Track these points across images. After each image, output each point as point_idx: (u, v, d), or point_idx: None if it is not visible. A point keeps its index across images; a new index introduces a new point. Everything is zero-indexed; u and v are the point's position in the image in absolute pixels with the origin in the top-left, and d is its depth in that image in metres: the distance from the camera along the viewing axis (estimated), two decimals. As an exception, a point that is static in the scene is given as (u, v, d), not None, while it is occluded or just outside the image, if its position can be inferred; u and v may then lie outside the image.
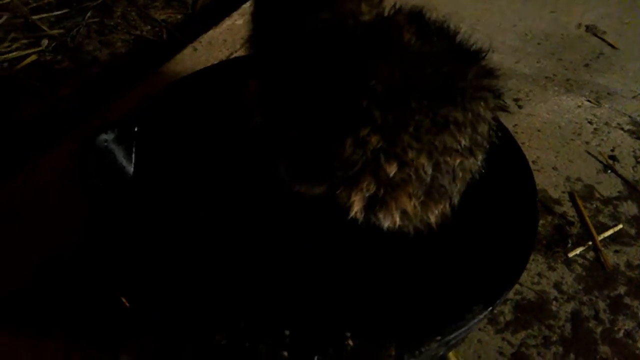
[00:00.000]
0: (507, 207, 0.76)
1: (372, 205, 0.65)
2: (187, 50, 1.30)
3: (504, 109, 0.70)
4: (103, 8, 1.55)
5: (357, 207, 0.65)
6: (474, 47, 0.67)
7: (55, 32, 1.45)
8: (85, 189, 0.78)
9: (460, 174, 0.65)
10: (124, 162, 0.81)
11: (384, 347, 0.63)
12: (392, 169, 0.62)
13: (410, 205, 0.64)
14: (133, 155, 0.81)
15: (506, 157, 0.80)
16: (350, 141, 0.62)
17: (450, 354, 0.83)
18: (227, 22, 1.39)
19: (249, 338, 0.63)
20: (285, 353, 0.62)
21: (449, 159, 0.63)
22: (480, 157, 0.67)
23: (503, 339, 0.86)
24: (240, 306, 0.66)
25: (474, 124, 0.65)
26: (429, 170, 0.63)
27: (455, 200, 0.67)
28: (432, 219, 0.66)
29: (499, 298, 0.68)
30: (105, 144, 0.79)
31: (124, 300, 0.68)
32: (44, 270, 0.88)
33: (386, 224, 0.66)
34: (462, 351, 0.84)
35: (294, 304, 0.67)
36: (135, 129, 0.82)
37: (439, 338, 0.64)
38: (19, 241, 0.93)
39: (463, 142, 0.63)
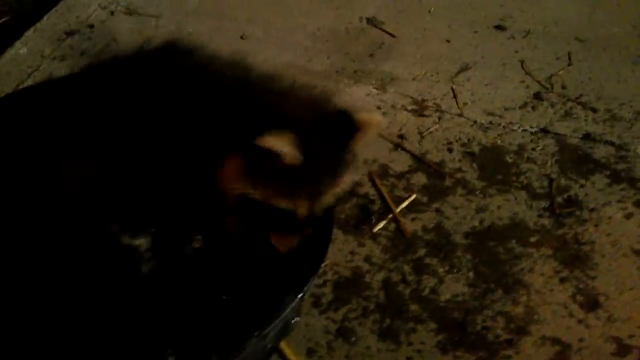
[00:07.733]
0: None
1: None
2: (-33, 88, 1.20)
3: None
4: None
5: None
6: None
7: None
8: None
9: None
10: None
11: (207, 357, 0.67)
12: None
13: None
14: None
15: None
16: None
17: (282, 343, 0.89)
18: (10, 53, 1.31)
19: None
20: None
21: None
22: None
23: (327, 318, 0.94)
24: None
25: None
26: None
27: None
28: None
29: (307, 284, 0.75)
30: None
31: None
32: None
33: None
34: (292, 337, 0.90)
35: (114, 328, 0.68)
36: None
37: (257, 334, 0.69)
38: None
39: None
